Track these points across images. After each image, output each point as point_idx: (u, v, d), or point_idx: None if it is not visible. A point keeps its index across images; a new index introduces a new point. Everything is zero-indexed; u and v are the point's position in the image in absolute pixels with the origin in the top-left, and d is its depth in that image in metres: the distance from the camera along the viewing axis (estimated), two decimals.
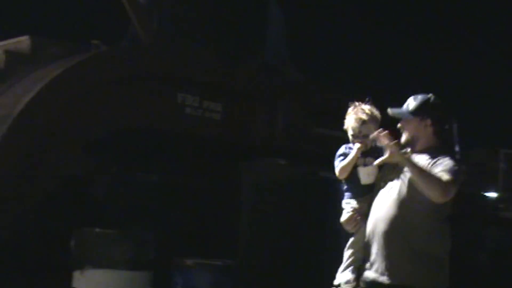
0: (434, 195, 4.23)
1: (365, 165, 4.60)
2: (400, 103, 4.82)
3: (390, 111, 4.58)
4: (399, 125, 4.57)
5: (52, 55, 9.55)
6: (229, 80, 9.30)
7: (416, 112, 4.50)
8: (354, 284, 4.62)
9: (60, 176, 8.86)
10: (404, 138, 4.53)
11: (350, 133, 4.68)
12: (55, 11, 13.25)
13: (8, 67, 9.39)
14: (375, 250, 4.44)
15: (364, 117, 4.62)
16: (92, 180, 9.40)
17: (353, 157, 4.58)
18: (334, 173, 5.18)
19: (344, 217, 4.64)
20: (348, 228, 4.61)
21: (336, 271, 4.93)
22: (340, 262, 4.92)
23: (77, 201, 9.03)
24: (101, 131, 8.66)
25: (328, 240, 9.26)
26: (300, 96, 10.62)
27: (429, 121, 4.46)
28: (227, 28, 11.03)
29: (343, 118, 5.08)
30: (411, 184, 4.36)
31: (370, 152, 4.65)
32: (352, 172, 4.65)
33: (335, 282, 4.70)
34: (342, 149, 4.70)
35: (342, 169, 4.61)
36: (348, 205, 4.64)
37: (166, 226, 9.27)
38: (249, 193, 9.20)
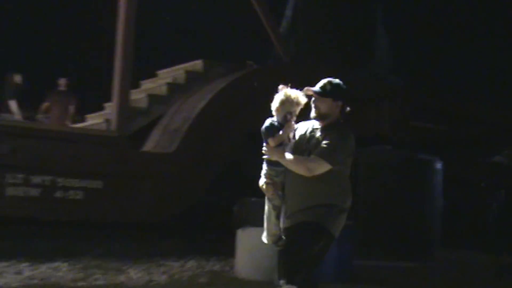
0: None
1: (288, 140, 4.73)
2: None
3: (309, 89, 4.70)
4: (312, 100, 4.73)
5: (218, 73, 11.09)
6: None
7: (332, 93, 4.69)
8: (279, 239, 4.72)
9: (226, 161, 10.22)
10: (315, 113, 4.70)
11: (287, 111, 4.66)
12: (220, 40, 14.39)
13: (187, 82, 11.04)
14: (289, 204, 4.65)
15: (302, 100, 4.68)
16: (250, 163, 11.12)
17: (287, 134, 4.67)
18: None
19: (263, 183, 4.70)
20: (267, 194, 4.68)
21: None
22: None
23: (239, 178, 10.13)
24: (257, 127, 10.13)
25: (424, 205, 10.45)
26: (400, 98, 11.80)
27: (340, 102, 4.69)
28: (343, 45, 12.21)
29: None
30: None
31: None
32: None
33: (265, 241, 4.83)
34: (270, 122, 4.73)
35: (277, 141, 4.63)
36: (267, 173, 4.68)
37: None
38: (365, 170, 10.32)
